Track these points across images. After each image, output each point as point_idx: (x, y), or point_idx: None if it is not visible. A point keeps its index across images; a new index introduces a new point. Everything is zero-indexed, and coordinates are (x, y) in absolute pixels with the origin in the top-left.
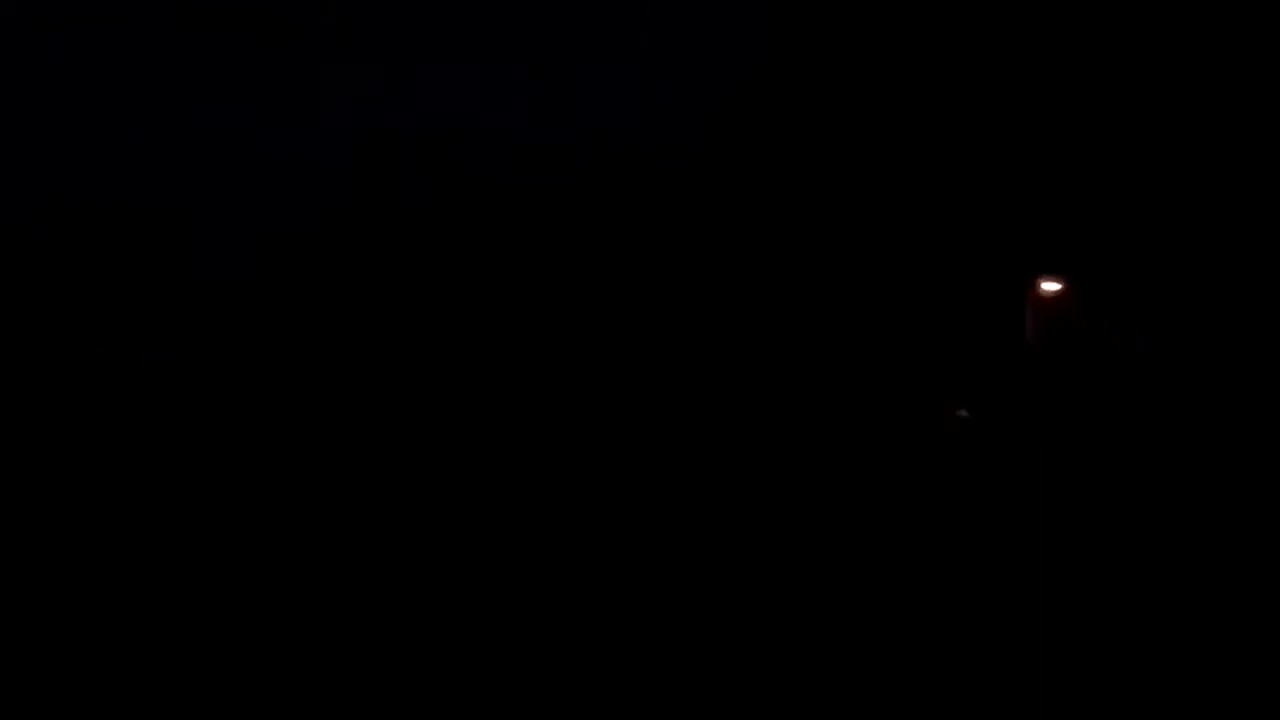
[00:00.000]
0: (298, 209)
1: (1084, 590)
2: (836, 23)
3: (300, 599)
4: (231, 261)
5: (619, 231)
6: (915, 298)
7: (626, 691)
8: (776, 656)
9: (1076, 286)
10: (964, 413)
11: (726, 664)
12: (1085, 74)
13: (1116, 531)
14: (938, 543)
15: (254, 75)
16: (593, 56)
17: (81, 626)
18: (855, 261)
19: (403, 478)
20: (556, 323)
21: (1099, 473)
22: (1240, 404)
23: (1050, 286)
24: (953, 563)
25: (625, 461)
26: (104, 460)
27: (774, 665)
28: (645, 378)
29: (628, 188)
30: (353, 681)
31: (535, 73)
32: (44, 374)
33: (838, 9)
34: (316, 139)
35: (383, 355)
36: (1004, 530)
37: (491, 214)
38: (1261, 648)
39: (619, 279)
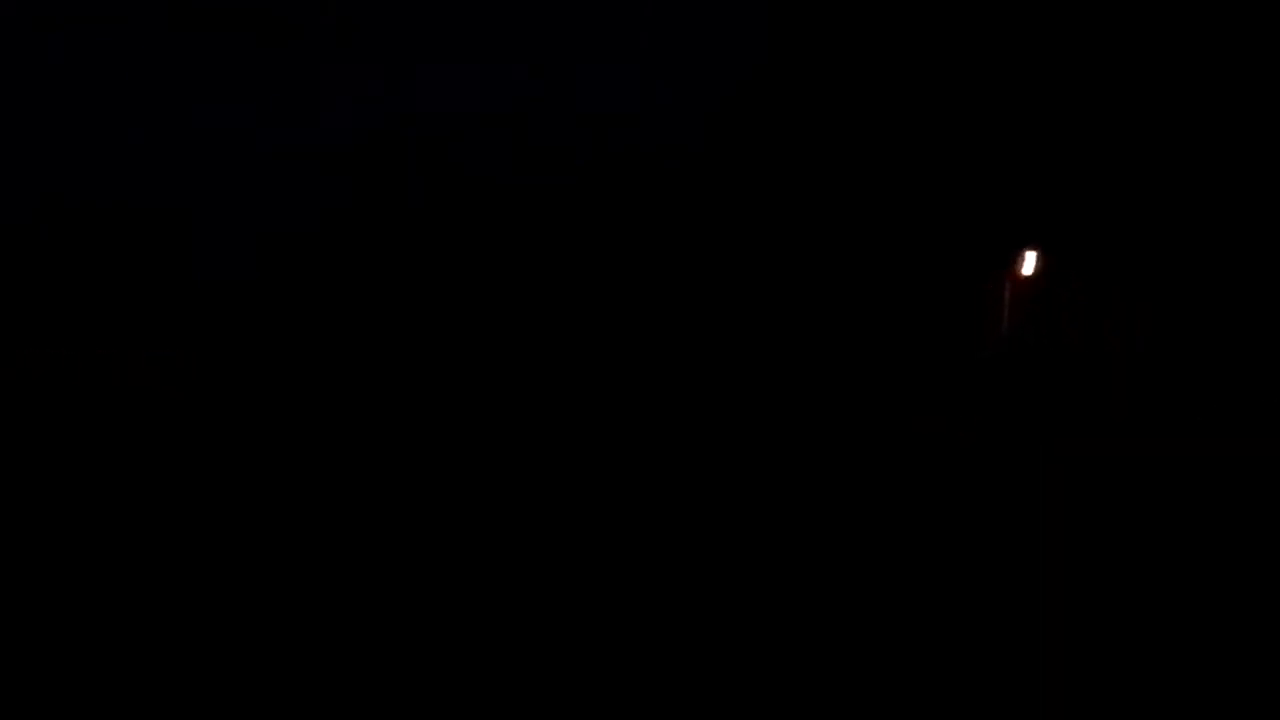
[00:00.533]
0: (298, 209)
1: (1084, 591)
2: (837, 23)
3: (300, 599)
4: (231, 261)
5: (618, 231)
6: (914, 295)
7: (610, 688)
8: (776, 657)
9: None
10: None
11: (736, 662)
12: (1085, 77)
13: (1117, 532)
14: (936, 544)
15: (254, 75)
16: (593, 56)
17: (81, 626)
18: (859, 261)
19: (403, 477)
20: (555, 322)
21: (1099, 473)
22: (1241, 404)
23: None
24: (951, 564)
25: (625, 459)
26: (104, 460)
27: (774, 665)
28: (645, 376)
29: (627, 188)
30: (352, 682)
31: (535, 73)
32: (44, 374)
33: (837, 10)
34: (316, 139)
35: (383, 355)
36: (1003, 531)
37: (491, 214)
38: (1262, 648)
39: (618, 279)
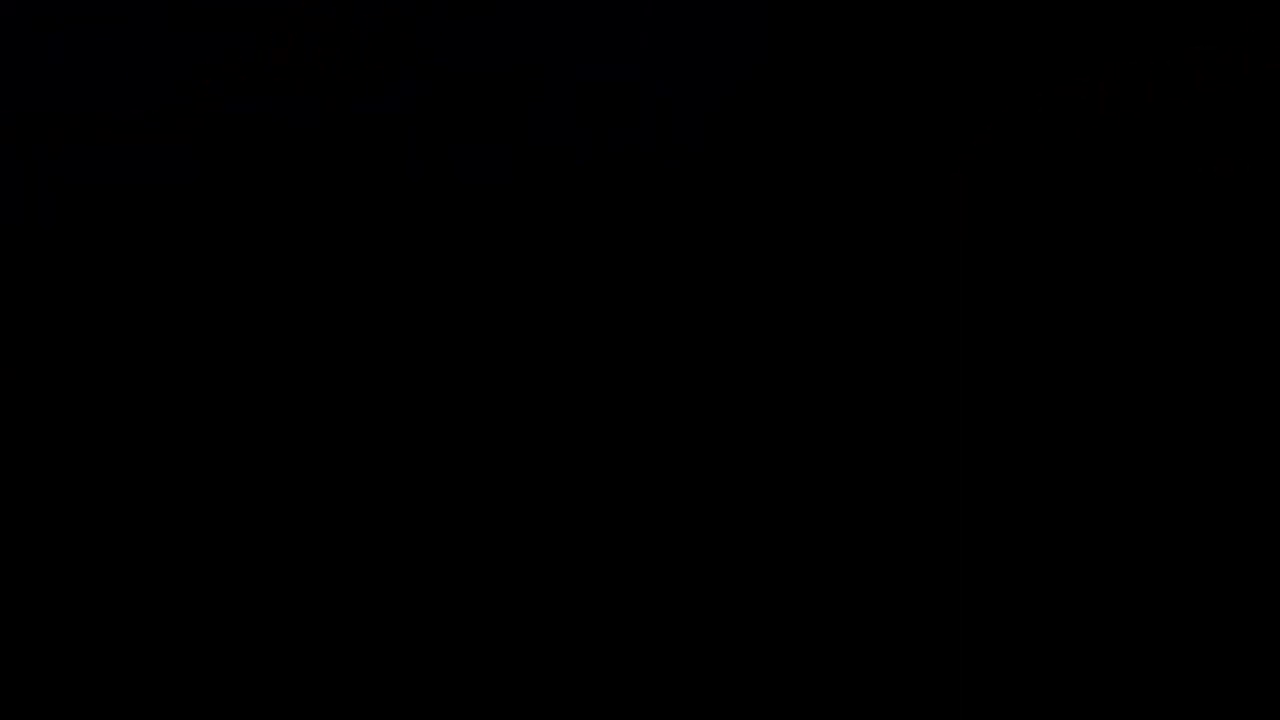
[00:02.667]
0: (297, 207)
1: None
2: (838, 23)
3: (299, 602)
4: (231, 260)
5: (618, 232)
6: (917, 297)
7: (608, 689)
8: (777, 655)
9: None
10: None
11: (739, 663)
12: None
13: None
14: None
15: (254, 75)
16: (593, 56)
17: (79, 627)
18: (860, 263)
19: (401, 482)
20: (554, 324)
21: None
22: None
23: None
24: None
25: (627, 459)
26: (103, 456)
27: (774, 663)
28: (646, 377)
29: (627, 188)
30: (340, 682)
31: (533, 72)
32: (45, 375)
33: (839, 9)
34: (318, 138)
35: (382, 358)
36: None
37: (491, 213)
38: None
39: (617, 279)
